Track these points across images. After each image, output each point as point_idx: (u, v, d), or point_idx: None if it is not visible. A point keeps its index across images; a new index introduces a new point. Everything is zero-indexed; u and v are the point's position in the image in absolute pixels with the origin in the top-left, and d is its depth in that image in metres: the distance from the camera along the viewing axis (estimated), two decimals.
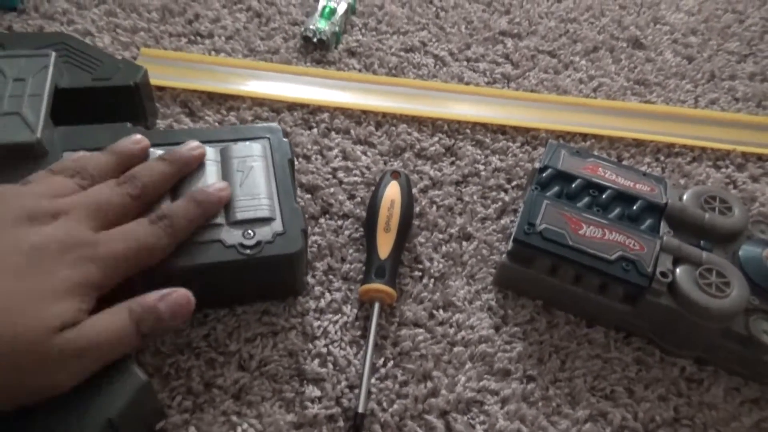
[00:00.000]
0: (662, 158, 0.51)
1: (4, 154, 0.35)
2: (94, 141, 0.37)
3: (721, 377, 0.38)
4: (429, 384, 0.36)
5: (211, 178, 0.37)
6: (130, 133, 0.37)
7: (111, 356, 0.28)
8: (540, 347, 0.38)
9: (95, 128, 0.37)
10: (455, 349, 0.38)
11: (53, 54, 0.39)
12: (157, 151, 0.37)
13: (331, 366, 0.36)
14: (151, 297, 0.30)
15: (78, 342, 0.27)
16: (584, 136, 0.52)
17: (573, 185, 0.42)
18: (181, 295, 0.30)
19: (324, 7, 0.56)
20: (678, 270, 0.37)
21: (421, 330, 0.38)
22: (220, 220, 0.35)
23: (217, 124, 0.48)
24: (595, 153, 0.49)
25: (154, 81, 0.44)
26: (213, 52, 0.53)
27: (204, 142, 0.38)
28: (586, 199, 0.41)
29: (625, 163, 0.50)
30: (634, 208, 0.41)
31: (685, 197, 0.42)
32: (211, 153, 0.38)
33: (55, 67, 0.39)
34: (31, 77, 0.38)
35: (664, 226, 0.40)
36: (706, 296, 0.36)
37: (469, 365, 0.37)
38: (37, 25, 0.53)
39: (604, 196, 0.41)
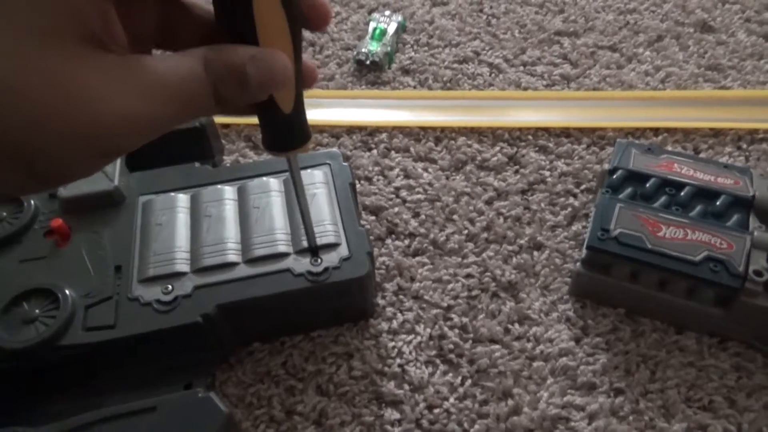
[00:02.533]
0: (745, 146, 0.48)
1: (87, 202, 0.37)
2: (166, 183, 0.38)
3: None
4: (510, 402, 0.35)
5: (276, 209, 0.37)
6: (198, 172, 0.38)
7: (172, 111, 0.21)
8: (626, 358, 0.36)
9: (166, 171, 0.39)
10: (535, 364, 0.37)
11: None
12: (226, 188, 0.39)
13: (407, 387, 0.36)
14: (239, 53, 0.22)
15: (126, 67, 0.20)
16: (655, 131, 0.49)
17: (647, 185, 0.40)
18: (277, 59, 0.23)
19: (374, 29, 0.56)
20: None
21: (497, 346, 0.37)
22: (288, 249, 0.36)
23: None
24: (669, 148, 0.47)
25: (218, 119, 0.46)
26: None
27: (268, 174, 0.39)
28: (663, 199, 0.39)
29: (702, 155, 0.47)
30: (718, 203, 0.38)
31: None
32: (275, 184, 0.39)
33: None
34: None
35: (753, 221, 0.37)
36: None
37: (550, 380, 0.36)
38: None
39: (682, 194, 0.39)
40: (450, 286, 0.40)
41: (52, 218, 0.37)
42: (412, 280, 0.41)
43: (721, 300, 0.35)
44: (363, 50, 0.55)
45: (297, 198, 0.32)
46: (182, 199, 0.38)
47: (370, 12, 0.61)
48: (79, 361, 0.33)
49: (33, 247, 0.36)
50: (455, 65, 0.56)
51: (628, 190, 0.40)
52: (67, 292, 0.33)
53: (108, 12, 0.20)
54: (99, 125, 0.19)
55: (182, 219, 0.37)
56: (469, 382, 0.36)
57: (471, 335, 0.38)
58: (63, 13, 0.19)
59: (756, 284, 0.34)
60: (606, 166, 0.42)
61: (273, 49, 0.23)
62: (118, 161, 0.38)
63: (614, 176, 0.40)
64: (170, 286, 0.34)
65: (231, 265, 0.35)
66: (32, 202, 0.38)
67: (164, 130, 0.21)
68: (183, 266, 0.35)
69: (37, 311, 0.33)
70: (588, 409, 0.35)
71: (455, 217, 0.44)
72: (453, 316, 0.39)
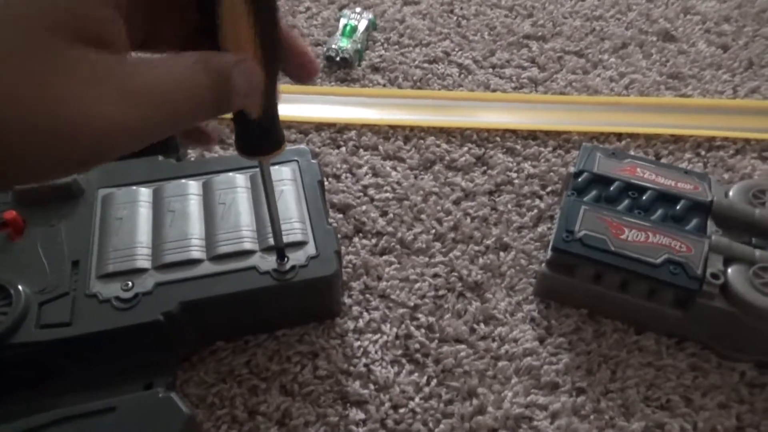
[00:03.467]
0: (703, 153, 0.49)
1: (44, 194, 0.36)
2: (127, 176, 0.37)
3: None
4: (475, 401, 0.35)
5: (242, 205, 0.37)
6: (161, 166, 0.37)
7: (162, 117, 0.20)
8: (588, 358, 0.37)
9: (128, 163, 0.38)
10: (500, 364, 0.37)
11: None
12: (191, 183, 0.38)
13: (372, 387, 0.36)
14: (226, 58, 0.22)
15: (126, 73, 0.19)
16: (619, 136, 0.50)
17: (611, 188, 0.40)
18: (254, 67, 0.22)
19: (345, 26, 0.56)
20: (730, 270, 0.35)
21: (462, 346, 0.38)
22: (254, 246, 0.35)
23: None
24: (632, 153, 0.48)
25: None
26: None
27: (234, 169, 0.39)
28: (626, 202, 0.40)
29: (664, 161, 0.48)
30: (678, 208, 0.39)
31: (731, 193, 0.40)
32: (241, 180, 0.38)
33: None
34: None
35: (711, 225, 0.38)
36: (762, 296, 0.34)
37: (515, 380, 0.36)
38: None
39: (644, 198, 0.40)
40: (417, 286, 0.40)
41: (5, 210, 0.35)
42: (379, 279, 0.41)
43: (679, 301, 0.36)
44: (333, 46, 0.54)
45: (267, 204, 0.31)
46: (144, 193, 0.37)
47: (340, 8, 0.60)
48: (33, 360, 0.32)
49: None
50: (425, 65, 0.56)
51: (593, 193, 0.40)
52: (19, 287, 0.32)
53: (109, 10, 0.19)
54: (78, 129, 0.18)
55: (144, 213, 0.36)
56: (434, 381, 0.36)
57: (437, 335, 0.38)
58: (58, 9, 0.18)
59: (713, 287, 0.35)
60: (571, 169, 0.43)
61: (244, 55, 0.22)
62: None
63: (579, 179, 0.41)
64: (130, 283, 0.33)
65: (194, 261, 0.35)
66: None
67: (153, 137, 0.20)
68: (144, 262, 0.34)
69: None
70: (551, 408, 0.35)
71: (423, 216, 0.44)
72: (419, 315, 0.39)
